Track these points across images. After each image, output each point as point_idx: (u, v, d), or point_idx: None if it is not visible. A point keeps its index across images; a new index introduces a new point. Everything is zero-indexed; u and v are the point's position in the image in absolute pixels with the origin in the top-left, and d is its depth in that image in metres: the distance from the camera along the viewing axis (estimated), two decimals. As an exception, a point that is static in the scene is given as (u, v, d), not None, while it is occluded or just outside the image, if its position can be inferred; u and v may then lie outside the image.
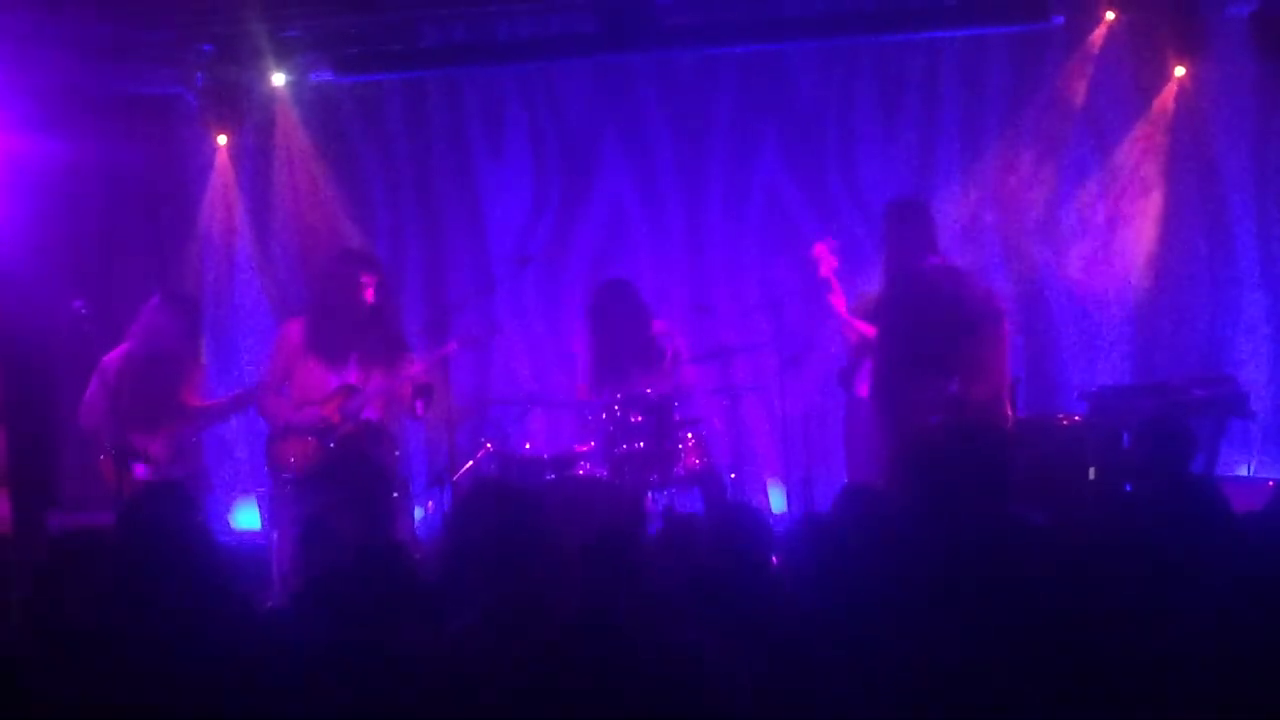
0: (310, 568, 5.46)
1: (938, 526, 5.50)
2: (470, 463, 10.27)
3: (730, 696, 4.20)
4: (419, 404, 9.52)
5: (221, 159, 11.82)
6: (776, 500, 11.41)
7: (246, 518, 11.77)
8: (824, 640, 4.55)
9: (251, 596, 5.76)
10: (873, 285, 9.56)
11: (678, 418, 10.03)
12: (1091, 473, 9.32)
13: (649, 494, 9.89)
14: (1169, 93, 10.84)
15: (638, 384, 9.92)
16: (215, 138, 11.69)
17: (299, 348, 9.39)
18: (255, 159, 12.01)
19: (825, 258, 9.52)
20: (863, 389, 9.20)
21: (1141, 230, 11.04)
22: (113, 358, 9.45)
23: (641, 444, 9.82)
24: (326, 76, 11.60)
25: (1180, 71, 10.74)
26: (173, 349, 9.51)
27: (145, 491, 8.03)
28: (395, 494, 9.53)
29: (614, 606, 4.89)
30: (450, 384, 11.46)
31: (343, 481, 9.14)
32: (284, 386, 9.47)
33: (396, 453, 9.85)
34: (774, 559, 8.90)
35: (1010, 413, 8.64)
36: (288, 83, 11.59)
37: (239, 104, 11.58)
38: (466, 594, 4.99)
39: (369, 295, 9.36)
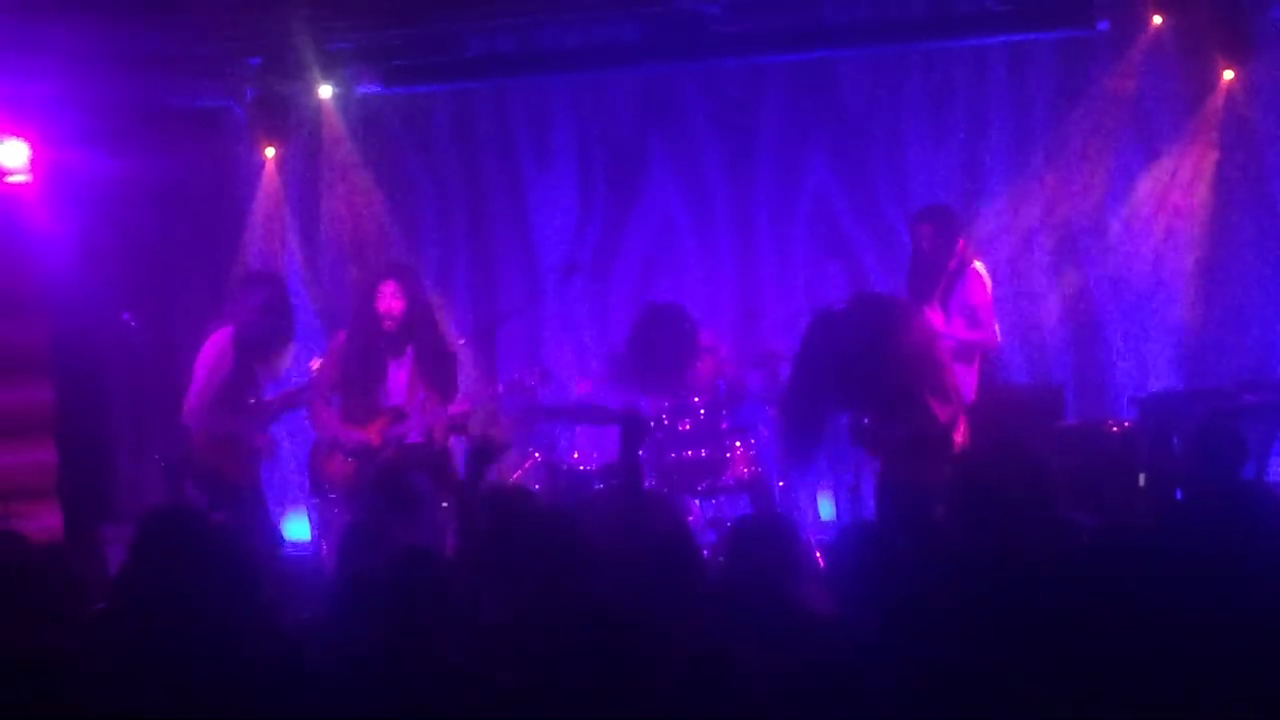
0: (344, 577, 5.48)
1: (985, 534, 5.49)
2: (518, 473, 10.28)
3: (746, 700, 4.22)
4: (451, 438, 9.51)
5: (269, 171, 11.86)
6: (825, 508, 11.37)
7: (297, 529, 11.80)
8: (861, 647, 4.54)
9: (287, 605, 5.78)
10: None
11: (726, 426, 10.03)
12: (1142, 479, 9.27)
13: (698, 503, 9.88)
14: (1217, 96, 10.75)
15: (650, 403, 9.92)
16: (263, 150, 11.72)
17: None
18: (303, 171, 12.07)
19: None
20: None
21: (1191, 234, 10.96)
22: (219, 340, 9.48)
23: (690, 453, 9.82)
24: (374, 88, 11.63)
25: (1229, 75, 10.66)
26: (251, 333, 9.44)
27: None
28: (445, 504, 9.51)
29: (657, 615, 4.89)
30: (498, 395, 11.50)
31: (378, 504, 9.15)
32: (334, 398, 9.46)
33: (448, 469, 9.83)
34: (820, 562, 8.91)
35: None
36: (335, 95, 11.62)
37: (287, 117, 11.61)
38: (500, 601, 5.02)
39: (384, 307, 9.22)
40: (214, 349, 9.37)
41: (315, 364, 9.70)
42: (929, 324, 8.58)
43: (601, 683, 4.36)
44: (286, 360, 9.63)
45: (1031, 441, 8.01)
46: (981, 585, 4.82)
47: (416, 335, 9.33)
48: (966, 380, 9.22)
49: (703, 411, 9.89)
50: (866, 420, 8.02)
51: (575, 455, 10.54)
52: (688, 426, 9.86)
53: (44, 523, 10.01)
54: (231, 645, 4.84)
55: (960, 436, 8.04)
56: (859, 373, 7.78)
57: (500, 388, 9.98)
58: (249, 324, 9.33)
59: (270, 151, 11.75)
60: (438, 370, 9.39)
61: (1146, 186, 11.10)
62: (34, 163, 10.52)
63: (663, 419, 9.85)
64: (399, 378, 9.36)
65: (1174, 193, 11.00)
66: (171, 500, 9.27)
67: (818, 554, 9.64)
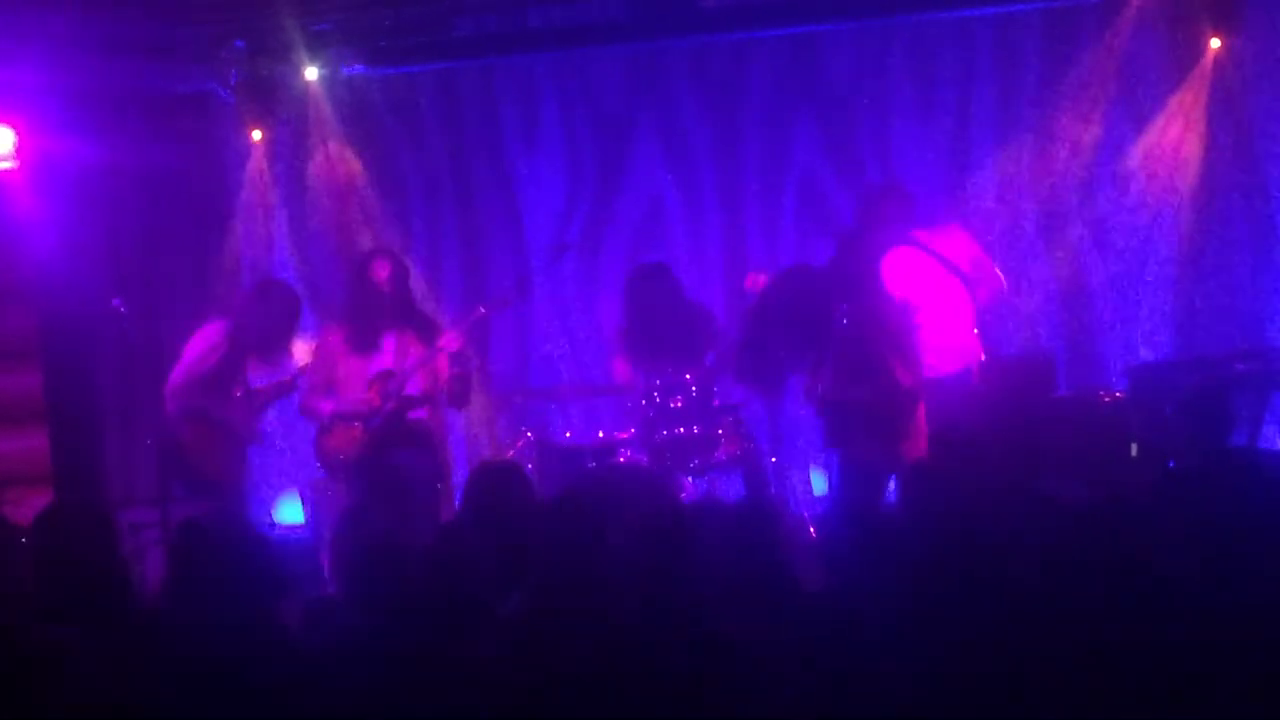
0: (352, 553, 5.46)
1: (971, 508, 5.50)
2: (511, 452, 10.28)
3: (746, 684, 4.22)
4: (457, 387, 9.48)
5: (256, 154, 11.85)
6: (818, 483, 11.39)
7: (290, 512, 11.80)
8: (853, 621, 4.54)
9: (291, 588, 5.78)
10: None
11: (717, 403, 10.03)
12: (1134, 449, 9.28)
13: (690, 480, 9.89)
14: (1205, 65, 10.76)
15: (672, 370, 9.90)
16: (250, 133, 11.71)
17: (338, 351, 9.40)
18: (290, 153, 12.03)
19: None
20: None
21: (1180, 203, 10.97)
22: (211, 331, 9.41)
23: (681, 430, 9.82)
24: (359, 69, 11.62)
25: (1216, 44, 10.66)
26: (247, 335, 9.37)
27: None
28: (439, 485, 9.54)
29: (657, 595, 4.89)
30: (489, 373, 11.51)
31: (392, 457, 9.17)
32: (328, 388, 9.45)
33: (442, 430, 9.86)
34: (812, 532, 8.90)
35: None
36: (320, 76, 11.59)
37: (273, 99, 11.59)
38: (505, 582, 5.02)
39: (383, 275, 9.34)
40: (206, 340, 9.30)
41: (301, 362, 9.69)
42: (900, 288, 8.52)
43: (600, 667, 4.37)
44: (282, 361, 9.61)
45: (1019, 414, 8.02)
46: (970, 559, 4.82)
47: (404, 302, 9.43)
48: (968, 340, 9.21)
49: (694, 388, 9.88)
50: (823, 383, 7.88)
51: (568, 434, 10.55)
52: (679, 403, 9.85)
53: (37, 509, 9.99)
54: (234, 640, 4.83)
55: (921, 416, 7.97)
56: (819, 329, 7.67)
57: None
58: (248, 326, 9.29)
59: (257, 135, 11.73)
60: (420, 326, 9.49)
61: (1135, 155, 11.09)
62: (20, 149, 10.50)
63: (654, 396, 9.84)
64: (390, 346, 9.39)
65: (1162, 161, 11.00)
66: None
67: (811, 529, 9.68)
